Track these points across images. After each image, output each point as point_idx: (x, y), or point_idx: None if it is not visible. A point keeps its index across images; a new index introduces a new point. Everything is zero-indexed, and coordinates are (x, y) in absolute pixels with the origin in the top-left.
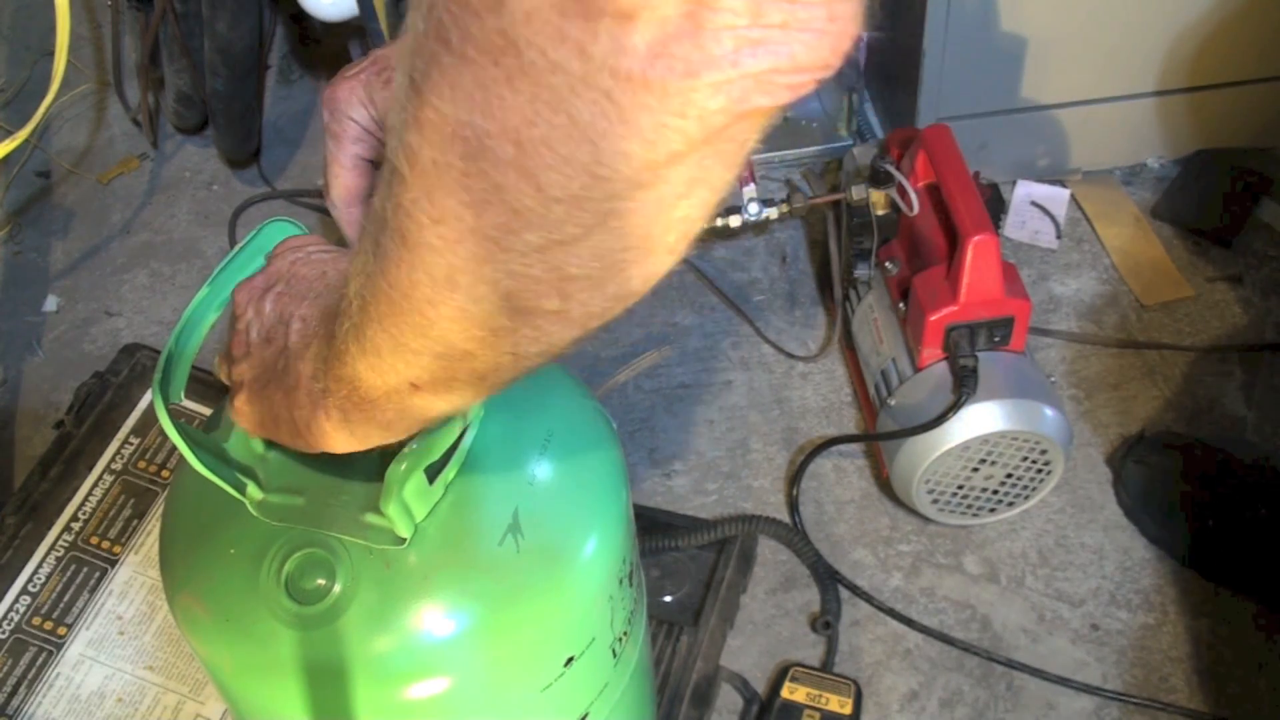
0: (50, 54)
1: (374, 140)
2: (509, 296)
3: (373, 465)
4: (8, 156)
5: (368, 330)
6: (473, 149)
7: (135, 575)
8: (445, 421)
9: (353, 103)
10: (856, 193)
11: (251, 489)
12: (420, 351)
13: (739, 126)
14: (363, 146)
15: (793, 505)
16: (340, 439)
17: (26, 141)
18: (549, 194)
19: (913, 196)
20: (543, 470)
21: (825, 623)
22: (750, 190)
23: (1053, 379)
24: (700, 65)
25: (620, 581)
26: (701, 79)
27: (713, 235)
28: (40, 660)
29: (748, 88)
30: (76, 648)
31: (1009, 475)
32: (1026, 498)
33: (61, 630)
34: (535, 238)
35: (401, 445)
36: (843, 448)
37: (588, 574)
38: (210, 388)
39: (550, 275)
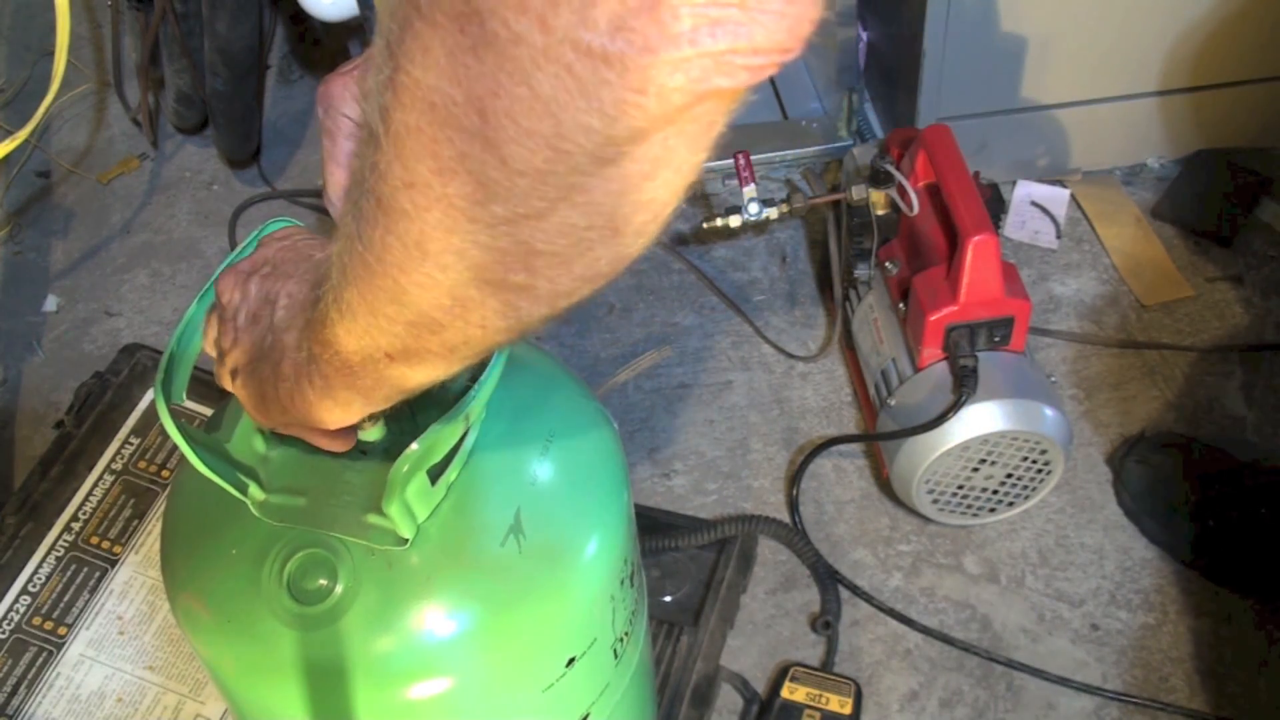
0: (50, 54)
1: None
2: (476, 268)
3: (375, 466)
4: (8, 156)
5: (345, 294)
6: (441, 116)
7: (135, 575)
8: (456, 412)
9: (346, 99)
10: (856, 193)
11: (253, 489)
12: (393, 318)
13: (701, 108)
14: (358, 143)
15: (793, 505)
16: (325, 408)
17: (26, 141)
18: (513, 166)
19: (913, 196)
20: (544, 471)
21: (825, 623)
22: (750, 190)
23: (1053, 379)
24: (659, 41)
25: (622, 582)
26: (660, 55)
27: (713, 235)
28: (40, 660)
29: (706, 67)
30: (76, 648)
31: (1009, 475)
32: (1026, 498)
33: (61, 630)
34: (501, 209)
35: (403, 446)
36: (843, 448)
37: (590, 574)
38: (211, 388)
39: (517, 249)
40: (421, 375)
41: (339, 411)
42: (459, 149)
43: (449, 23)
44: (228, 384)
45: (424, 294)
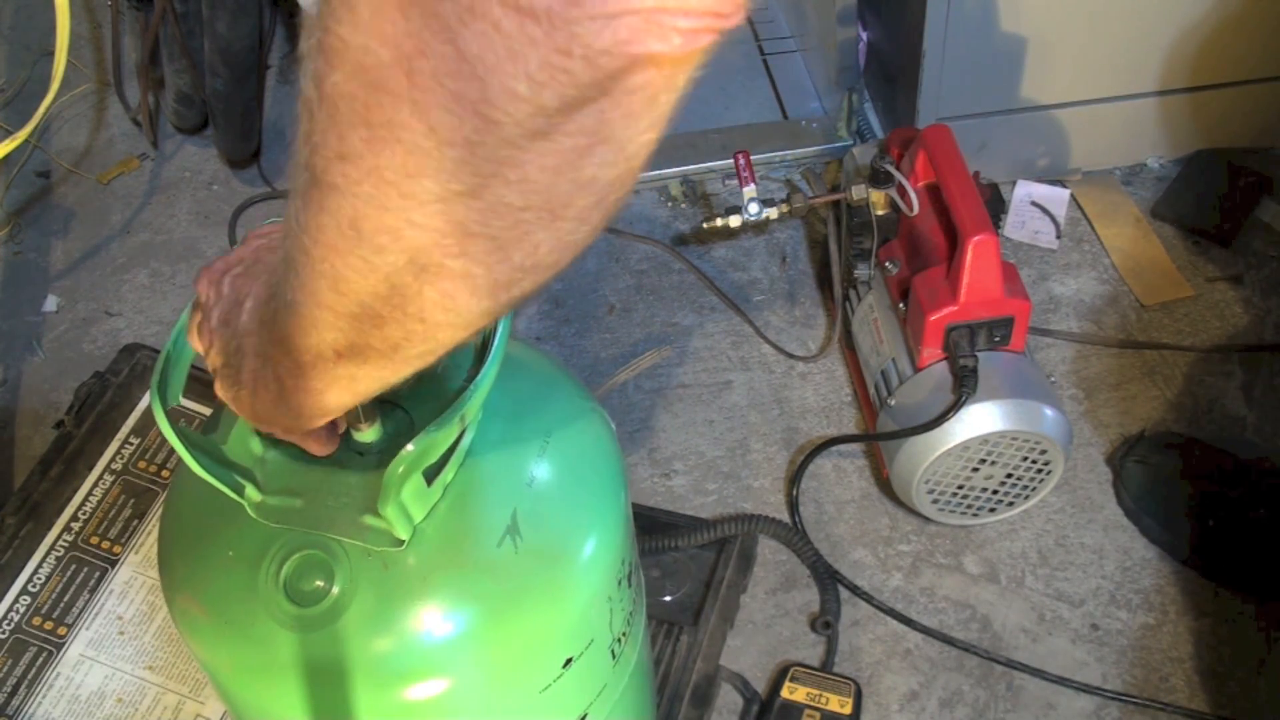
0: (50, 54)
1: None
2: (411, 251)
3: (371, 467)
4: (8, 156)
5: (291, 284)
6: (370, 79)
7: (135, 575)
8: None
9: None
10: (856, 193)
11: (250, 491)
12: (335, 310)
13: (638, 77)
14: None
15: (793, 505)
16: (282, 413)
17: (26, 141)
18: (442, 135)
19: (913, 196)
20: (541, 472)
21: (825, 623)
22: (750, 190)
23: (1053, 379)
24: None
25: (619, 583)
26: (586, 8)
27: (713, 235)
28: (40, 660)
29: (635, 27)
30: (76, 648)
31: (1009, 475)
32: (1026, 498)
33: (61, 630)
34: (433, 184)
35: (399, 448)
36: (843, 448)
37: (586, 575)
38: (210, 388)
39: (452, 230)
40: (370, 377)
41: (289, 418)
42: (388, 115)
43: None
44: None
45: (361, 280)
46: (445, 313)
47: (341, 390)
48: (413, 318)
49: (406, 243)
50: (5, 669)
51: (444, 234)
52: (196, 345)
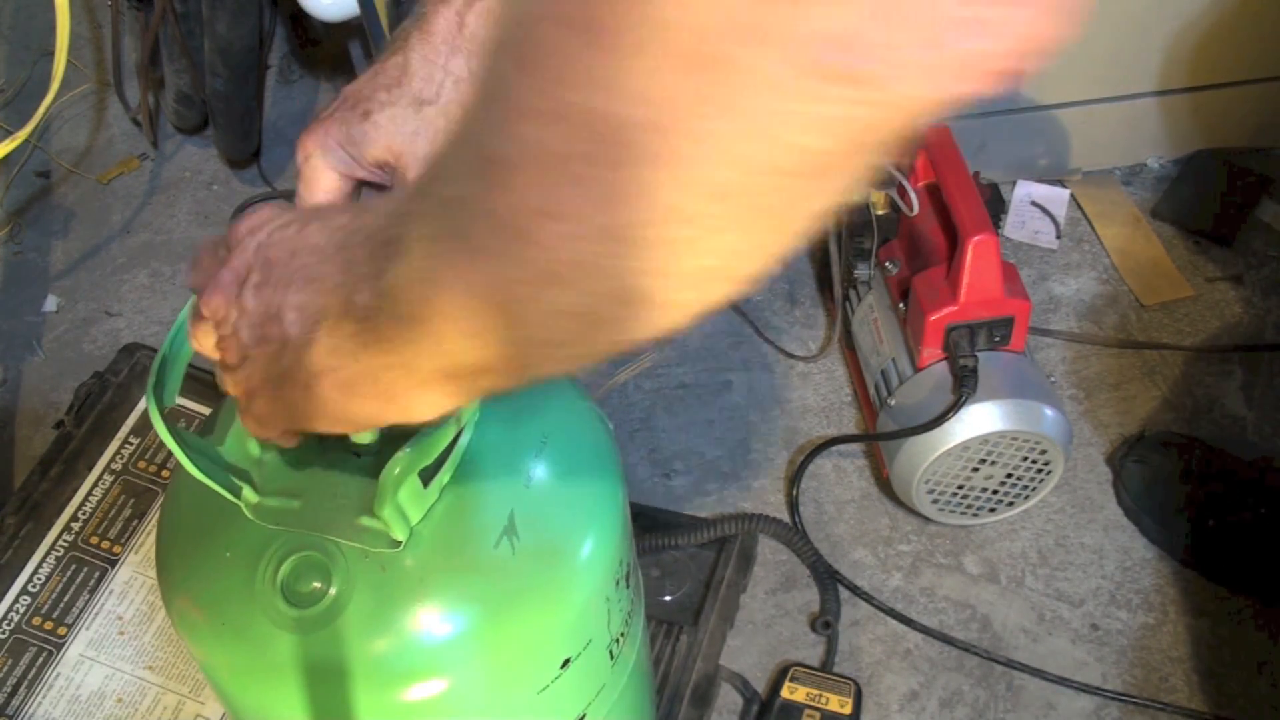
0: (50, 54)
1: (350, 181)
2: (622, 292)
3: (368, 468)
4: (8, 156)
5: (424, 312)
6: (610, 142)
7: (135, 575)
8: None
9: (329, 145)
10: None
11: (247, 492)
12: (501, 335)
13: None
14: (335, 193)
15: (793, 505)
16: (389, 413)
17: (26, 141)
18: (700, 191)
19: (913, 196)
20: (539, 472)
21: (825, 623)
22: None
23: (1053, 379)
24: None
25: (617, 583)
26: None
27: None
28: (40, 660)
29: (948, 74)
30: (76, 648)
31: (1009, 475)
32: (1026, 498)
33: (61, 630)
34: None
35: (396, 449)
36: (843, 448)
37: (584, 576)
38: (209, 387)
39: (682, 273)
40: (498, 387)
41: (377, 420)
42: (634, 175)
43: (668, 51)
44: (235, 393)
45: (554, 318)
46: (635, 333)
47: (456, 400)
48: (591, 340)
49: (618, 284)
50: (5, 669)
51: (669, 276)
52: (207, 353)
